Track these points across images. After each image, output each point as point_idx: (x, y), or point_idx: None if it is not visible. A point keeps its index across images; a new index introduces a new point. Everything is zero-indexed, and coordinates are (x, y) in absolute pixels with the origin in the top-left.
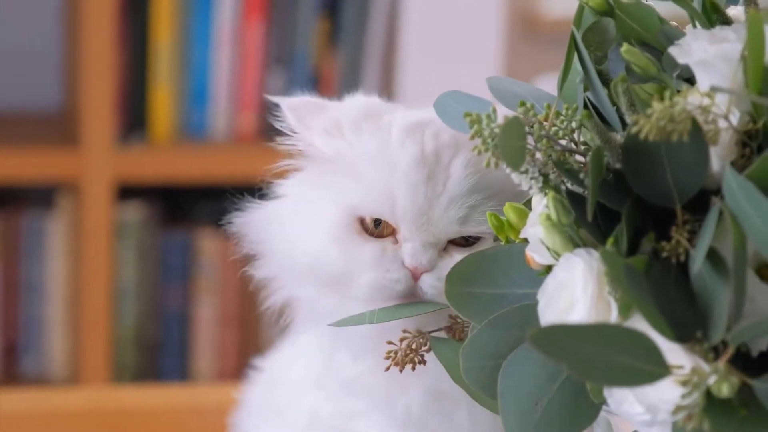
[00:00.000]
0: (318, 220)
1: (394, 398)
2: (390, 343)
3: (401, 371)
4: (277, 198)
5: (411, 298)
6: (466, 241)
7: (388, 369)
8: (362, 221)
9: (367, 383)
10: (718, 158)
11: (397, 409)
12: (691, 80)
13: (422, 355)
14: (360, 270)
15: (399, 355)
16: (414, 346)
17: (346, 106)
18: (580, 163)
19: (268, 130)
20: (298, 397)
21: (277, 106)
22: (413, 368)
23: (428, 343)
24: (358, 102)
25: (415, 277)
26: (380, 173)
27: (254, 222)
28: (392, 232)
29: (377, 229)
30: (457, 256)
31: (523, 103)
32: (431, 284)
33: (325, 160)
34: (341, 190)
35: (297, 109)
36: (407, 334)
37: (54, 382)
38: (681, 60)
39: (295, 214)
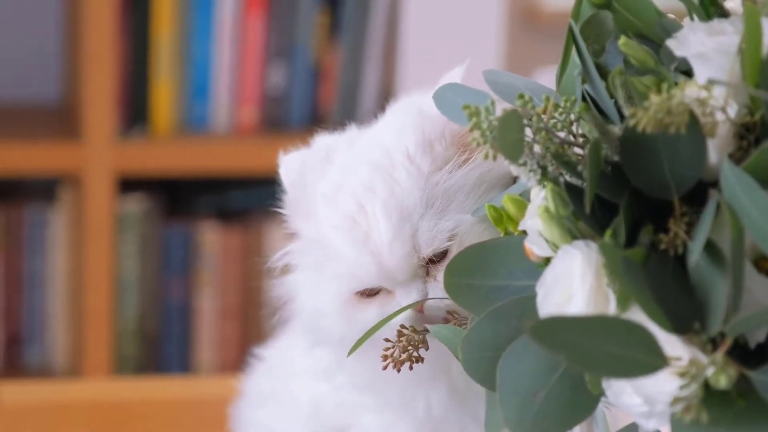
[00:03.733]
0: (327, 303)
1: (412, 399)
2: (387, 340)
3: (398, 371)
4: (296, 269)
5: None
6: (439, 257)
7: (385, 368)
8: (356, 293)
9: (381, 385)
10: (716, 151)
11: (416, 409)
12: (688, 73)
13: (419, 354)
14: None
15: (396, 352)
16: (412, 343)
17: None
18: (579, 155)
19: (268, 123)
20: (300, 387)
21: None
22: (410, 367)
23: (426, 341)
24: (291, 174)
25: (420, 311)
26: (341, 260)
27: (285, 293)
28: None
29: (372, 290)
30: (440, 276)
31: (521, 96)
32: (432, 308)
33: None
34: (327, 278)
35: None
36: (405, 331)
37: (56, 373)
38: (678, 53)
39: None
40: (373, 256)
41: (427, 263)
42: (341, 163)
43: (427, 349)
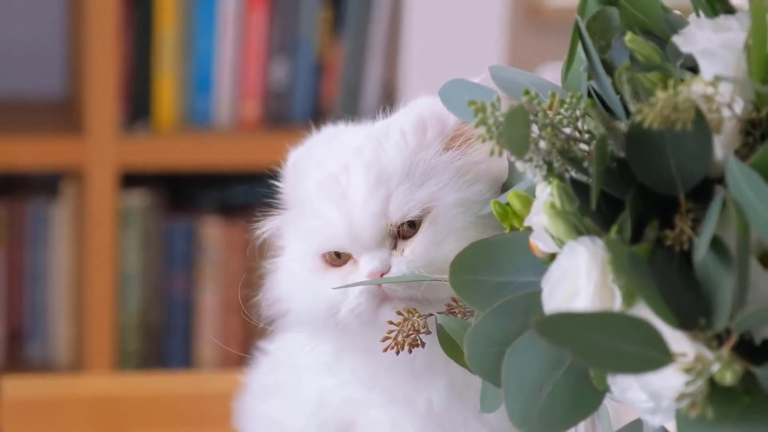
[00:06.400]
0: (298, 272)
1: (414, 395)
2: (390, 323)
3: (398, 353)
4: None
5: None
6: (410, 228)
7: (386, 350)
8: (324, 258)
9: (383, 381)
10: (722, 147)
11: (418, 405)
12: (694, 69)
13: (420, 338)
14: (337, 303)
15: (400, 336)
16: (415, 327)
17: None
18: (584, 151)
19: (271, 118)
20: (305, 381)
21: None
22: (410, 351)
23: (426, 326)
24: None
25: (379, 286)
26: (315, 216)
27: (270, 286)
28: (350, 257)
29: (339, 259)
30: (408, 250)
31: (527, 92)
32: (392, 285)
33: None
34: (300, 239)
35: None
36: (408, 314)
37: (58, 368)
38: (685, 49)
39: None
40: (345, 214)
41: (396, 236)
42: (344, 138)
43: (428, 333)
